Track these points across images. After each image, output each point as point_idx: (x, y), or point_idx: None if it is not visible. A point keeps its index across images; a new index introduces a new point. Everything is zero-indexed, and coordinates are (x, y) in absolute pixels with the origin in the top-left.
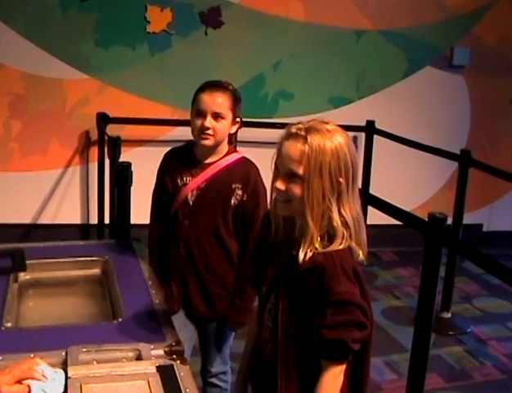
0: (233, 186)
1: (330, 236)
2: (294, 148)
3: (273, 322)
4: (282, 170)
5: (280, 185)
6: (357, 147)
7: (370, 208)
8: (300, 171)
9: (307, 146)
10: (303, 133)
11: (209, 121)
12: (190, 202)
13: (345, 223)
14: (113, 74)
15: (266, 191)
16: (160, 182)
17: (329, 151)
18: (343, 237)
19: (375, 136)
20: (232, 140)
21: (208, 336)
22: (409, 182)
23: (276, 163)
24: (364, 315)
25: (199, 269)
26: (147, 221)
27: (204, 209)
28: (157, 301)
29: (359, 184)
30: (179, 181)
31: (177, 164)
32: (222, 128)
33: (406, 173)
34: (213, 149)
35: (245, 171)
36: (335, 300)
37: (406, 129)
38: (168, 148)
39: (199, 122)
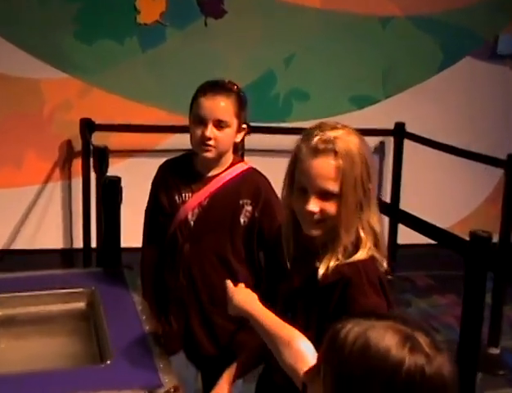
0: (240, 202)
1: (354, 245)
2: (327, 165)
3: None
4: (313, 190)
5: (314, 207)
6: (383, 155)
7: (400, 226)
8: (337, 189)
9: (340, 161)
10: (330, 146)
11: (211, 130)
12: (191, 222)
13: (372, 231)
14: (98, 73)
15: (280, 204)
16: (155, 200)
17: (357, 159)
18: (367, 246)
19: (406, 141)
20: (238, 148)
21: (214, 378)
22: (445, 195)
23: (302, 185)
24: None
25: (202, 301)
26: (140, 245)
27: (208, 230)
28: (153, 339)
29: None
30: (177, 198)
31: (174, 179)
32: (226, 137)
33: (442, 184)
34: (215, 161)
35: (254, 184)
36: (361, 312)
37: (441, 132)
38: (164, 159)
39: (198, 131)
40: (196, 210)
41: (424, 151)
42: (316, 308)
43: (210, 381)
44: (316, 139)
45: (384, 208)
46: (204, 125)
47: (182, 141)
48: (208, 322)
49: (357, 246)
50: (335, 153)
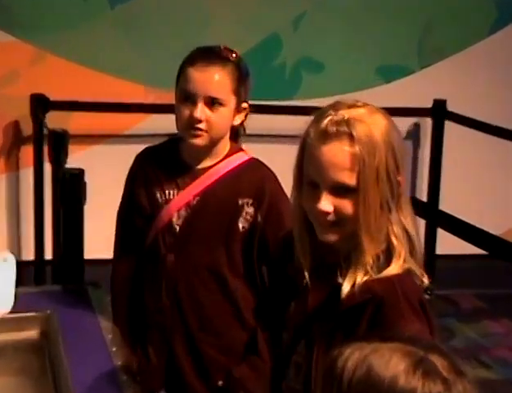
0: (240, 201)
1: (386, 255)
2: (341, 152)
3: (304, 382)
4: (325, 184)
5: (326, 206)
6: (418, 140)
7: (439, 231)
8: (353, 181)
9: (357, 147)
10: (344, 128)
11: (202, 110)
12: (177, 227)
13: (405, 235)
14: (53, 36)
15: (289, 205)
16: (130, 199)
17: (381, 144)
18: (401, 256)
19: (447, 122)
20: (238, 134)
21: None
22: (498, 193)
23: (311, 178)
24: None
25: (190, 327)
26: (110, 256)
27: (198, 237)
28: (125, 377)
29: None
30: (159, 196)
31: (155, 172)
32: (221, 119)
33: (494, 178)
34: (207, 149)
35: (257, 179)
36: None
37: (492, 112)
38: (140, 147)
39: (186, 111)
40: (183, 212)
41: (470, 136)
42: (339, 334)
43: None
44: (326, 120)
45: (420, 209)
46: (193, 104)
47: (162, 123)
48: (197, 354)
49: (389, 257)
50: (351, 137)
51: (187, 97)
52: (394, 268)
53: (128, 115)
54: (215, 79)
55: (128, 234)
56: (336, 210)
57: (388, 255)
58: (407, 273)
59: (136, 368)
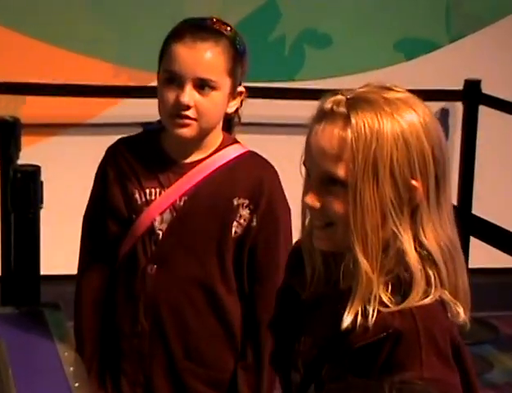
0: (235, 202)
1: (404, 282)
2: (329, 135)
3: None
4: (314, 175)
5: (311, 200)
6: (447, 128)
7: (472, 240)
8: (341, 172)
9: (349, 132)
10: (342, 108)
11: (190, 94)
12: (159, 233)
13: (429, 259)
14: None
15: (290, 209)
16: (102, 200)
17: (389, 137)
18: (428, 283)
19: (481, 107)
20: (232, 123)
21: None
22: None
23: (305, 164)
24: None
25: (173, 354)
26: (72, 271)
27: (185, 245)
28: None
29: (451, 195)
30: (138, 196)
31: (132, 168)
32: (213, 105)
33: None
34: (196, 141)
35: (255, 176)
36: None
37: None
38: (109, 138)
39: (171, 95)
40: (167, 215)
41: (510, 124)
42: (351, 377)
43: None
44: (331, 98)
45: None
46: (180, 87)
47: (136, 110)
48: (181, 388)
49: (410, 283)
50: (346, 120)
51: (172, 78)
52: (415, 298)
53: (93, 99)
54: (206, 58)
55: (97, 242)
56: (324, 207)
57: (407, 281)
58: (437, 305)
59: None
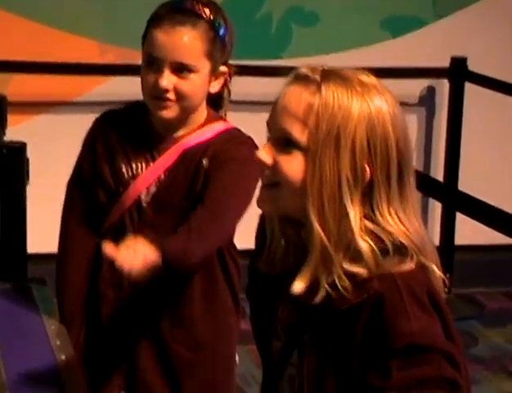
0: (204, 162)
1: (383, 247)
2: (297, 97)
3: None
4: (273, 133)
5: (264, 155)
6: (433, 106)
7: (459, 216)
8: (302, 137)
9: (317, 98)
10: (316, 76)
11: (168, 78)
12: (145, 206)
13: (380, 234)
14: None
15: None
16: (89, 168)
17: (355, 116)
18: (410, 249)
19: (468, 85)
20: (222, 102)
21: None
22: None
23: (268, 124)
24: (454, 367)
25: (160, 322)
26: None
27: (171, 214)
28: (74, 389)
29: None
30: (125, 171)
31: (120, 141)
32: (192, 87)
33: None
34: (179, 121)
35: (227, 148)
36: (404, 344)
37: None
38: (95, 117)
39: (151, 78)
40: (153, 188)
41: (496, 101)
42: (332, 344)
43: None
44: (307, 67)
45: (435, 190)
46: (159, 71)
47: (122, 89)
48: (163, 351)
49: (393, 251)
50: (318, 86)
51: (152, 62)
52: (394, 262)
53: (79, 78)
54: (183, 42)
55: (81, 207)
56: (275, 166)
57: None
58: (418, 269)
59: (90, 376)
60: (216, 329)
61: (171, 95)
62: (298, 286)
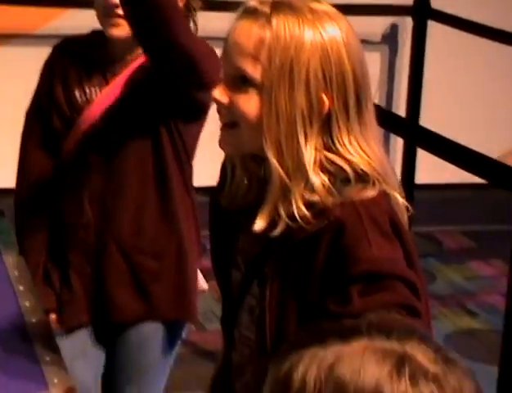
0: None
1: (342, 176)
2: (247, 32)
3: (258, 326)
4: (227, 71)
5: (220, 94)
6: (396, 44)
7: (420, 153)
8: (255, 73)
9: (268, 32)
10: (266, 8)
11: None
12: (102, 130)
13: (343, 165)
14: None
15: None
16: (46, 95)
17: (308, 46)
18: (371, 177)
19: (430, 22)
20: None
21: (128, 357)
22: (491, 108)
23: (222, 61)
24: (414, 294)
25: (122, 236)
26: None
27: (124, 134)
28: (34, 319)
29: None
30: (78, 95)
31: (75, 67)
32: None
33: (487, 90)
34: (132, 42)
35: None
36: (365, 270)
37: (482, 10)
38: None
39: None
40: (108, 113)
41: (458, 39)
42: (294, 270)
43: (121, 361)
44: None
45: (396, 126)
46: None
47: (83, 21)
48: (130, 266)
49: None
50: (268, 21)
51: None
52: (355, 191)
53: (38, 9)
54: None
55: (39, 135)
56: (231, 105)
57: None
58: (380, 196)
59: (56, 304)
60: (175, 239)
61: (120, 11)
62: (260, 223)
